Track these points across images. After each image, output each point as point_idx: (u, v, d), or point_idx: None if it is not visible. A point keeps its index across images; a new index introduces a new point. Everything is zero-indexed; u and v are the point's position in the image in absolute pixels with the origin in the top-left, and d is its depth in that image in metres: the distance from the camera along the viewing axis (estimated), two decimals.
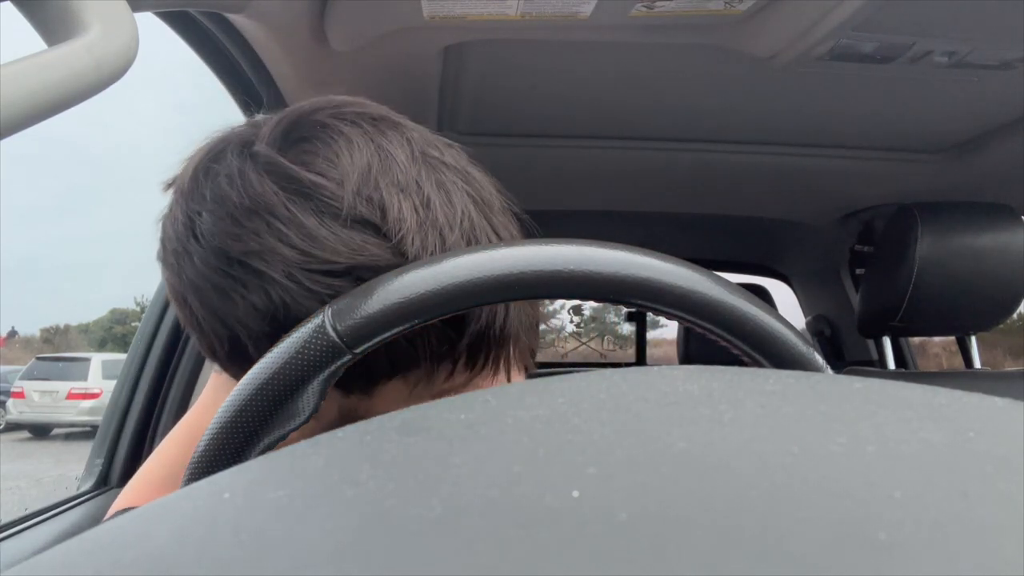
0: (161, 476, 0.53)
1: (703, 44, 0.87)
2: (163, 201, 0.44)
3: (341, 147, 0.40)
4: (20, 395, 9.92)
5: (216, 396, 0.53)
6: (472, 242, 0.41)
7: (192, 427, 0.55)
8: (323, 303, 0.35)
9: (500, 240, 0.43)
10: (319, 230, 0.37)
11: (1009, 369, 1.28)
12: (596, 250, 0.33)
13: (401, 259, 0.37)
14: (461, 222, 0.41)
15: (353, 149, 0.40)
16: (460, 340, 0.39)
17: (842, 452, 0.14)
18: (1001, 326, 1.20)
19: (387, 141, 0.41)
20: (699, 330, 0.34)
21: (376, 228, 0.38)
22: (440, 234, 0.39)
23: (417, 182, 0.40)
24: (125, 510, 0.50)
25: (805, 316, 2.12)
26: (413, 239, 0.38)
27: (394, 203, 0.38)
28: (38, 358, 11.08)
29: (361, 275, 0.37)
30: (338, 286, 0.37)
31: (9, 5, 0.30)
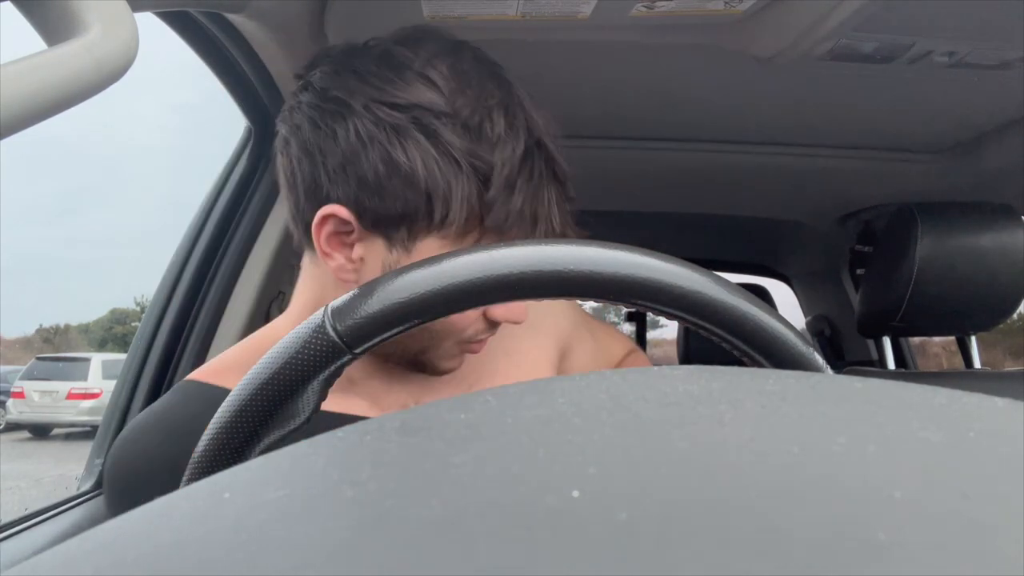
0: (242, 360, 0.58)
1: (703, 44, 0.87)
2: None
3: (425, 41, 0.54)
4: (20, 395, 9.91)
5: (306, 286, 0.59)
6: (506, 115, 0.51)
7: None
8: (387, 136, 0.49)
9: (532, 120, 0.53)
10: (391, 76, 0.50)
11: (1009, 369, 1.28)
12: (596, 250, 0.33)
13: (451, 111, 0.49)
14: (503, 101, 0.52)
15: (430, 42, 0.54)
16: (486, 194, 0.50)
17: (842, 452, 0.14)
18: (1001, 326, 1.20)
19: (462, 47, 0.55)
20: (699, 330, 0.34)
21: (433, 83, 0.50)
22: (484, 100, 0.50)
23: (471, 69, 0.52)
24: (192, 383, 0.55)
25: (805, 316, 2.12)
26: (459, 96, 0.50)
27: (449, 72, 0.51)
28: (38, 358, 11.07)
29: (418, 114, 0.49)
30: (399, 119, 0.49)
31: (9, 5, 0.30)
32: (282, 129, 0.54)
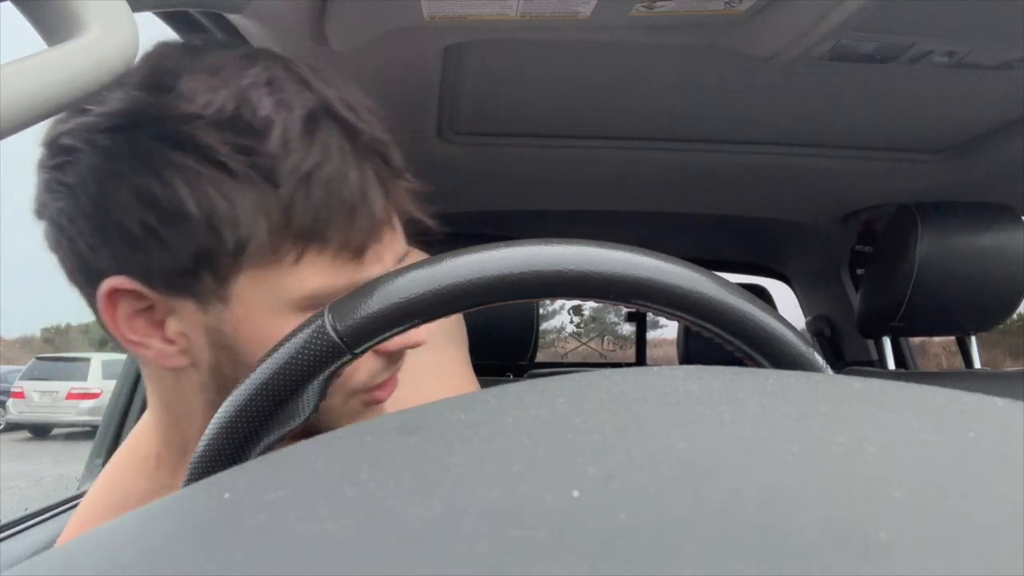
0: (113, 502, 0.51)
1: (703, 44, 0.87)
2: None
3: (156, 52, 0.43)
4: (20, 395, 9.92)
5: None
6: (270, 91, 0.40)
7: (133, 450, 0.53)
8: (131, 167, 0.39)
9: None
10: (115, 97, 0.40)
11: (1009, 369, 1.28)
12: (596, 250, 0.33)
13: (197, 110, 0.39)
14: (263, 76, 0.41)
15: (159, 53, 0.43)
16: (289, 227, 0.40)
17: (842, 452, 0.14)
18: (1001, 326, 1.20)
19: (207, 46, 0.44)
20: (699, 330, 0.34)
21: (168, 88, 0.40)
22: (235, 85, 0.40)
23: (214, 61, 0.41)
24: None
25: (805, 316, 2.12)
26: (203, 92, 0.39)
27: (183, 72, 0.40)
28: (38, 358, 11.08)
29: (158, 128, 0.39)
30: (137, 141, 0.39)
31: (9, 5, 0.30)
32: (37, 221, 0.44)
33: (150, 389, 0.48)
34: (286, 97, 0.40)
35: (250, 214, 0.39)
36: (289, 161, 0.39)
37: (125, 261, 0.40)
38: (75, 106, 0.38)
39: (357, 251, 0.42)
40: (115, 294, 0.41)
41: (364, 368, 0.44)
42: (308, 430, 0.46)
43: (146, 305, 0.42)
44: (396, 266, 0.44)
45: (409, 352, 0.48)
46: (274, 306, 0.41)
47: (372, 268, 0.43)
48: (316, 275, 0.41)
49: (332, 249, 0.41)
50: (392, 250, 0.45)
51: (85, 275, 0.42)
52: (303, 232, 0.40)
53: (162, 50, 0.43)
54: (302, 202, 0.40)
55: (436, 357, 0.57)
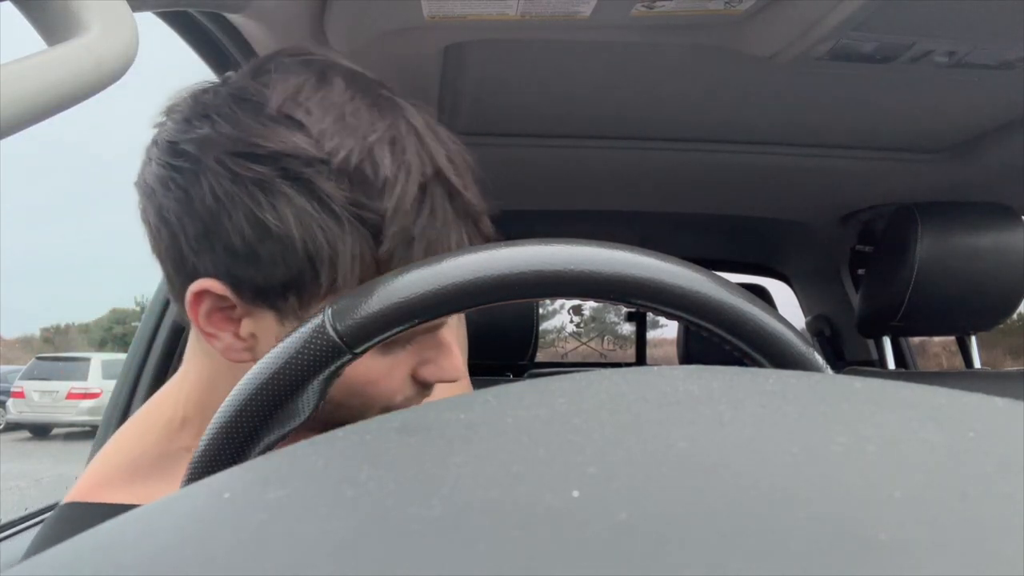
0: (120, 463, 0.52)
1: (703, 44, 0.87)
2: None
3: (287, 72, 0.45)
4: (20, 395, 9.92)
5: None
6: (392, 150, 0.43)
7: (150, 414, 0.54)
8: (250, 193, 0.41)
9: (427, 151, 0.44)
10: (248, 122, 0.42)
11: (1009, 369, 1.28)
12: (596, 250, 0.33)
13: (324, 155, 0.41)
14: (388, 133, 0.43)
15: (291, 74, 0.44)
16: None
17: (842, 452, 0.14)
18: (1001, 326, 1.20)
19: (332, 71, 0.45)
20: (699, 330, 0.34)
21: (300, 124, 0.41)
22: (363, 137, 0.42)
23: (346, 101, 0.44)
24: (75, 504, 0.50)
25: (805, 316, 2.12)
26: (332, 136, 0.41)
27: (316, 108, 0.42)
28: (38, 358, 11.08)
29: (285, 164, 0.41)
30: (261, 172, 0.41)
31: (9, 5, 0.30)
32: (137, 191, 0.46)
33: (196, 361, 0.50)
34: (407, 159, 0.43)
35: (348, 260, 0.42)
36: (397, 222, 0.42)
37: (222, 268, 0.43)
38: (201, 113, 0.43)
39: None
40: (204, 293, 0.43)
41: (401, 392, 0.47)
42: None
43: (228, 305, 0.44)
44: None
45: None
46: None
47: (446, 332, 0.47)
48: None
49: None
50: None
51: (181, 269, 0.44)
52: None
53: (290, 78, 0.44)
54: (400, 259, 0.42)
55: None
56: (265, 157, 0.41)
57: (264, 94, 0.43)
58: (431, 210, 0.43)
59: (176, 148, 0.43)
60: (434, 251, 0.43)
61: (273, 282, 0.42)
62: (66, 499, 0.51)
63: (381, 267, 0.42)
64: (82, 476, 0.52)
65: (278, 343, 0.40)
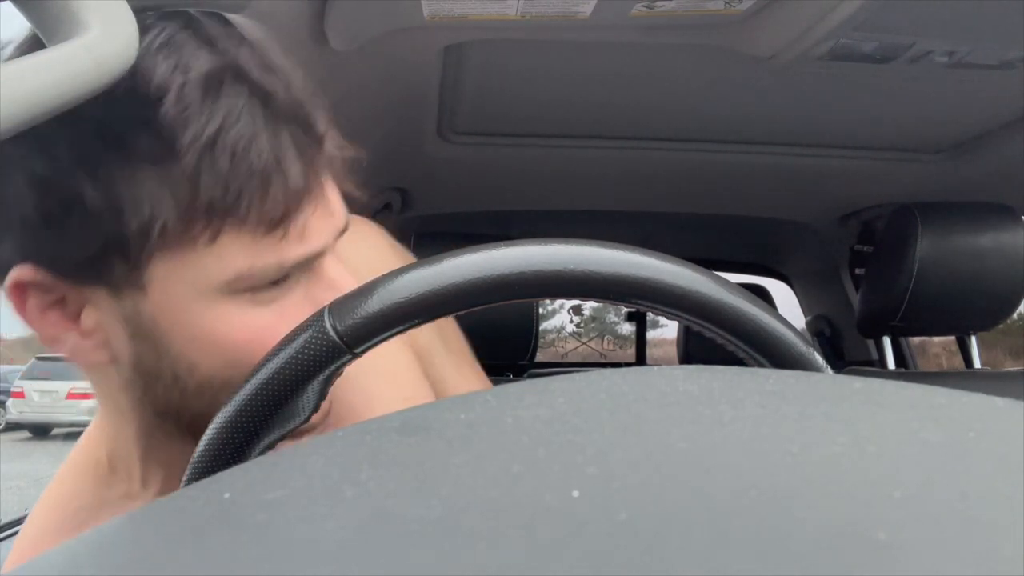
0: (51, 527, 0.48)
1: (703, 44, 0.87)
2: None
3: None
4: (20, 395, 9.92)
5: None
6: (165, 54, 0.36)
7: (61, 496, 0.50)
8: (26, 152, 0.34)
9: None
10: None
11: (1009, 369, 1.28)
12: (596, 250, 0.33)
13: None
14: (157, 40, 0.37)
15: None
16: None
17: (842, 452, 0.14)
18: (1001, 326, 1.20)
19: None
20: (699, 330, 0.34)
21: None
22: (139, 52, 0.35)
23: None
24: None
25: (805, 316, 2.12)
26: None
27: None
28: (38, 358, 11.07)
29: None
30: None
31: (9, 5, 0.30)
32: None
33: (99, 399, 0.45)
34: (183, 59, 0.37)
35: (153, 192, 0.36)
36: (189, 130, 0.36)
37: (29, 251, 0.37)
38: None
39: (277, 225, 0.38)
40: (22, 287, 0.38)
41: None
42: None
43: (57, 297, 0.39)
44: (335, 240, 0.42)
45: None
46: (196, 291, 0.38)
47: (297, 246, 0.39)
48: (237, 255, 0.38)
49: (250, 224, 0.37)
50: (323, 225, 0.41)
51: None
52: (214, 207, 0.36)
53: None
54: (208, 173, 0.36)
55: (386, 362, 0.53)
56: None
57: (23, 43, 0.37)
58: (228, 110, 0.37)
59: None
60: (244, 158, 0.36)
61: (87, 249, 0.37)
62: (4, 569, 0.46)
63: (194, 191, 0.36)
64: (18, 537, 0.48)
65: (125, 329, 0.38)
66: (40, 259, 0.37)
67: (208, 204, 0.36)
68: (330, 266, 0.42)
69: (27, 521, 0.50)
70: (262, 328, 0.39)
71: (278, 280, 0.40)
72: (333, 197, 0.43)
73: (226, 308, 0.38)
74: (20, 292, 0.38)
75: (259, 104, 0.38)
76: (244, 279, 0.38)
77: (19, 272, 0.37)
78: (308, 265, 0.41)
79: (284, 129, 0.38)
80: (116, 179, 0.35)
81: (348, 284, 0.41)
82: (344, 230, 0.43)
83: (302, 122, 0.40)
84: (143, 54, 0.35)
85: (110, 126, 0.35)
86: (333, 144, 0.42)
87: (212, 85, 0.37)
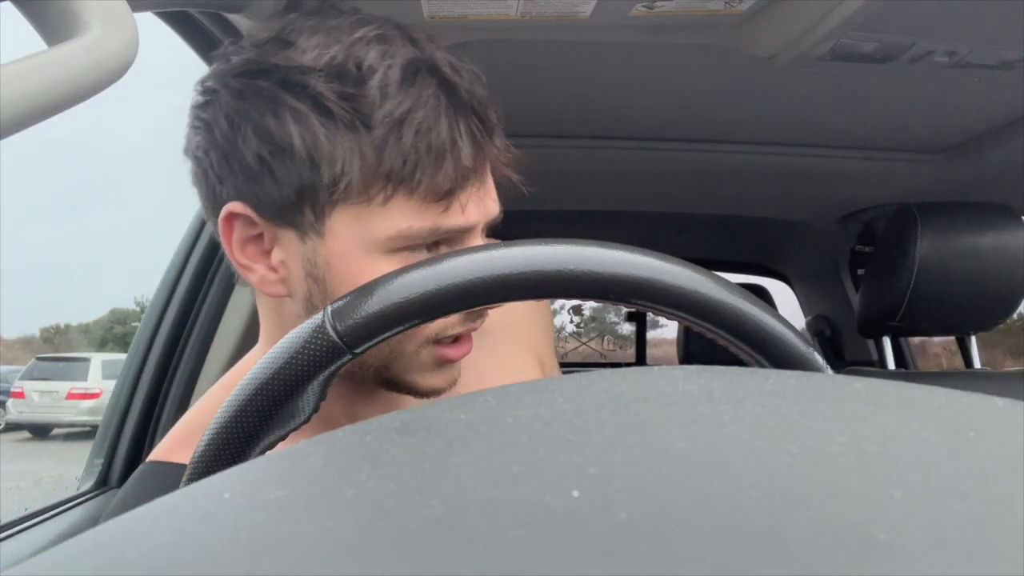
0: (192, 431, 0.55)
1: (703, 44, 0.87)
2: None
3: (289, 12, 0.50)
4: (20, 395, 9.91)
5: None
6: (376, 47, 0.45)
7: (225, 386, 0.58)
8: (256, 107, 0.44)
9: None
10: (251, 51, 0.47)
11: (1009, 369, 1.28)
12: (596, 250, 0.33)
13: (314, 63, 0.45)
14: (373, 34, 0.46)
15: (292, 13, 0.49)
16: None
17: (842, 452, 0.14)
18: (1001, 326, 1.20)
19: (333, 10, 0.49)
20: (699, 330, 0.34)
21: (292, 44, 0.46)
22: (349, 43, 0.45)
23: (337, 25, 0.47)
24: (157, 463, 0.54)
25: (805, 316, 2.12)
26: (322, 47, 0.45)
27: (307, 31, 0.46)
28: (38, 358, 11.07)
29: (283, 75, 0.45)
30: (263, 86, 0.45)
31: (9, 5, 0.30)
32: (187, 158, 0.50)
33: (260, 316, 0.54)
34: (391, 49, 0.45)
35: (346, 153, 0.44)
36: (385, 107, 0.44)
37: (243, 191, 0.46)
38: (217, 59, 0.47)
39: (443, 197, 0.45)
40: (231, 218, 0.47)
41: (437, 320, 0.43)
42: (379, 370, 0.49)
43: (256, 232, 0.47)
44: (485, 222, 0.49)
45: (483, 348, 0.55)
46: (363, 244, 0.45)
47: (456, 217, 0.46)
48: (402, 216, 0.45)
49: (420, 193, 0.44)
50: (480, 205, 0.48)
51: (213, 205, 0.48)
52: (392, 174, 0.44)
53: (290, 15, 0.49)
54: (393, 145, 0.43)
55: (510, 358, 0.60)
56: (265, 72, 0.45)
57: (266, 29, 0.47)
58: (419, 95, 0.44)
59: (200, 87, 0.48)
60: (425, 136, 0.44)
61: (287, 194, 0.45)
62: (151, 456, 0.55)
63: (378, 159, 0.44)
64: (165, 438, 0.56)
65: (303, 268, 0.46)
66: (249, 199, 0.46)
67: (388, 171, 0.44)
68: (476, 243, 0.49)
69: (173, 427, 0.58)
70: None
71: (430, 245, 0.47)
72: (490, 183, 0.50)
73: (384, 262, 0.45)
74: (229, 223, 0.47)
75: (444, 94, 0.46)
76: (403, 238, 0.45)
77: (232, 206, 0.46)
78: (460, 237, 0.48)
79: (461, 118, 0.46)
80: (320, 138, 0.44)
81: None
82: (494, 219, 0.51)
83: (478, 114, 0.47)
84: (357, 41, 0.45)
85: (324, 96, 0.44)
86: (500, 139, 0.51)
87: (409, 74, 0.45)
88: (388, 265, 0.44)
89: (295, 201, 0.45)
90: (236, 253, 0.48)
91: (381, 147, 0.44)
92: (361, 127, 0.44)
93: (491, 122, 0.49)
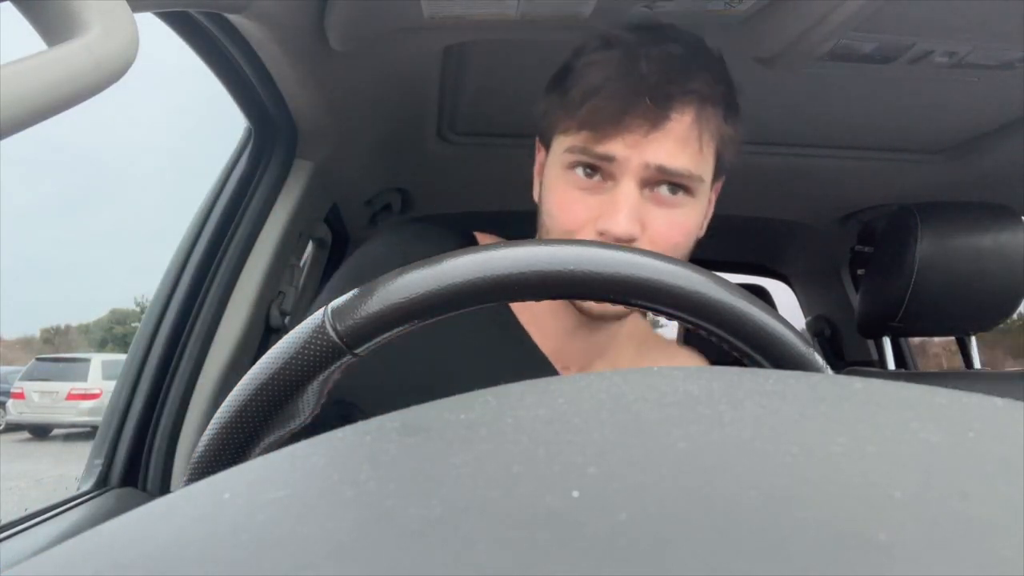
0: None
1: None
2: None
3: None
4: (20, 396, 9.91)
5: None
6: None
7: None
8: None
9: None
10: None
11: (1009, 369, 1.28)
12: (596, 250, 0.33)
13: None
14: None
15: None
16: None
17: (842, 452, 0.14)
18: (1001, 326, 1.20)
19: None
20: (699, 330, 0.34)
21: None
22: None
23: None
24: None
25: (805, 316, 2.12)
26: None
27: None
28: (38, 359, 11.07)
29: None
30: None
31: (9, 5, 0.30)
32: None
33: None
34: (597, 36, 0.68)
35: (554, 107, 0.66)
36: (585, 80, 0.64)
37: (539, 116, 0.70)
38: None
39: (607, 131, 0.61)
40: (537, 144, 0.71)
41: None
42: None
43: (541, 148, 0.71)
44: (655, 172, 0.62)
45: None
46: (557, 160, 0.65)
47: (615, 146, 0.61)
48: (577, 139, 0.63)
49: (586, 127, 0.62)
50: (650, 148, 0.61)
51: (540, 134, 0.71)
52: (582, 110, 0.63)
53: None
54: (583, 98, 0.62)
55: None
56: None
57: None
58: (609, 68, 0.62)
59: None
60: (607, 95, 0.61)
61: (549, 119, 0.71)
62: None
63: (579, 106, 0.63)
64: None
65: (538, 178, 0.72)
66: (541, 124, 0.70)
67: (580, 106, 0.62)
68: (629, 190, 0.61)
69: None
70: (568, 204, 0.64)
71: (591, 171, 0.63)
72: (668, 143, 0.61)
73: (563, 177, 0.64)
74: (536, 145, 0.72)
75: (627, 67, 0.62)
76: (571, 154, 0.63)
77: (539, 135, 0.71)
78: (614, 169, 0.62)
79: (642, 84, 0.60)
80: (569, 85, 0.64)
81: (625, 209, 0.60)
82: (667, 173, 0.62)
83: (659, 85, 0.61)
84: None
85: (564, 75, 0.67)
86: (711, 114, 0.65)
87: (606, 48, 0.65)
88: (563, 179, 0.66)
89: (548, 126, 0.71)
90: (537, 158, 0.73)
91: (580, 100, 0.65)
92: (569, 89, 0.67)
93: (681, 90, 0.64)
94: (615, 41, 0.63)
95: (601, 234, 0.60)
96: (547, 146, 0.67)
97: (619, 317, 0.68)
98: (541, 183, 0.68)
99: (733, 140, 0.69)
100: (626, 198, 0.60)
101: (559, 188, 0.64)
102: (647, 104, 0.59)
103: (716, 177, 0.69)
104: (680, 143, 0.61)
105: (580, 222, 0.62)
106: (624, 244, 0.59)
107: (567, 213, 0.63)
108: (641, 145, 0.60)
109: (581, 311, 0.66)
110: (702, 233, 0.69)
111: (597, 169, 0.62)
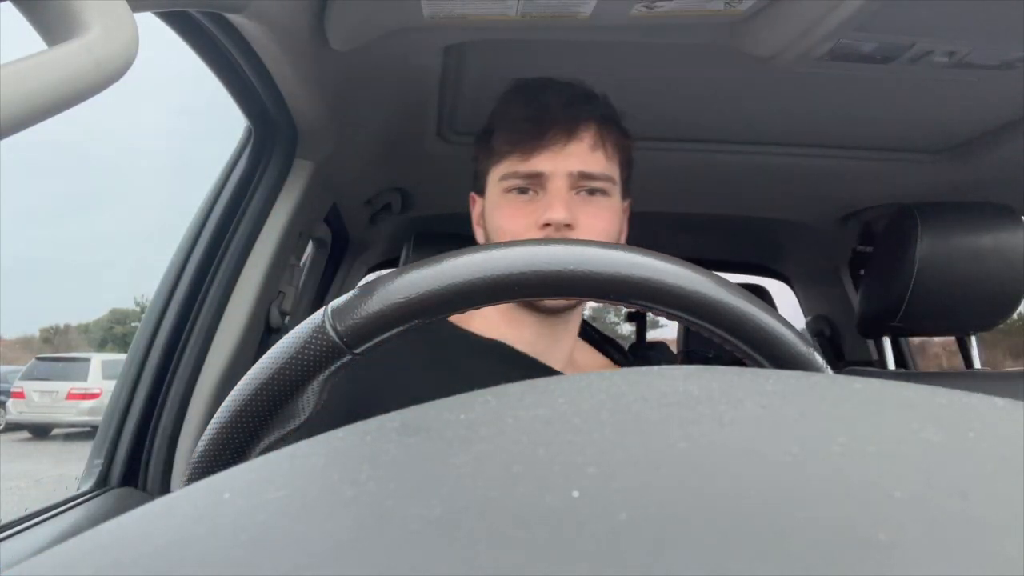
0: None
1: (703, 44, 0.87)
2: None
3: None
4: (20, 395, 9.90)
5: None
6: None
7: None
8: None
9: None
10: None
11: (1009, 369, 1.28)
12: (596, 250, 0.33)
13: None
14: None
15: None
16: None
17: (842, 452, 0.14)
18: (1001, 326, 1.20)
19: None
20: (699, 330, 0.34)
21: None
22: None
23: None
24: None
25: (805, 316, 2.12)
26: None
27: None
28: (38, 358, 11.07)
29: None
30: None
31: (9, 5, 0.30)
32: None
33: None
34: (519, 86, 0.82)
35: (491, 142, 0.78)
36: (508, 116, 0.77)
37: (482, 168, 0.79)
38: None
39: (527, 150, 0.72)
40: (472, 199, 0.83)
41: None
42: None
43: (476, 199, 0.82)
44: (567, 179, 0.72)
45: None
46: (495, 187, 0.75)
47: (537, 164, 0.73)
48: (509, 166, 0.74)
49: (514, 152, 0.73)
50: (561, 161, 0.72)
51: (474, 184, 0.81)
52: (496, 147, 0.76)
53: None
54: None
55: None
56: None
57: None
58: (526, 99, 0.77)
59: None
60: (530, 119, 0.74)
61: (479, 164, 0.84)
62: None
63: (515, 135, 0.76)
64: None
65: (480, 220, 0.80)
66: (474, 177, 0.82)
67: (497, 141, 0.76)
68: (560, 190, 0.72)
69: None
70: (511, 216, 0.73)
71: (524, 191, 0.73)
72: (581, 152, 0.73)
73: (502, 199, 0.74)
74: (471, 200, 0.82)
75: (536, 103, 0.76)
76: (505, 180, 0.73)
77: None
78: (544, 182, 0.72)
79: (551, 111, 0.73)
80: (492, 133, 0.78)
81: (560, 203, 0.71)
82: (586, 177, 0.73)
83: (565, 107, 0.73)
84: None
85: (486, 133, 0.80)
86: (610, 129, 0.77)
87: (513, 98, 0.79)
88: (503, 199, 0.75)
89: (479, 172, 0.82)
90: (472, 205, 0.84)
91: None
92: (498, 127, 0.80)
93: (585, 109, 0.76)
94: (518, 92, 0.77)
95: (546, 225, 0.70)
96: (482, 192, 0.78)
97: (569, 309, 0.75)
98: (484, 224, 0.78)
99: (630, 152, 0.81)
100: (559, 194, 0.71)
101: (501, 207, 0.74)
102: (560, 123, 0.72)
103: (624, 183, 0.80)
104: (591, 151, 0.73)
105: (525, 225, 0.71)
106: (566, 231, 0.70)
107: (512, 220, 0.73)
108: (561, 157, 0.71)
109: (532, 307, 0.74)
110: (624, 233, 0.82)
111: (528, 188, 0.73)
